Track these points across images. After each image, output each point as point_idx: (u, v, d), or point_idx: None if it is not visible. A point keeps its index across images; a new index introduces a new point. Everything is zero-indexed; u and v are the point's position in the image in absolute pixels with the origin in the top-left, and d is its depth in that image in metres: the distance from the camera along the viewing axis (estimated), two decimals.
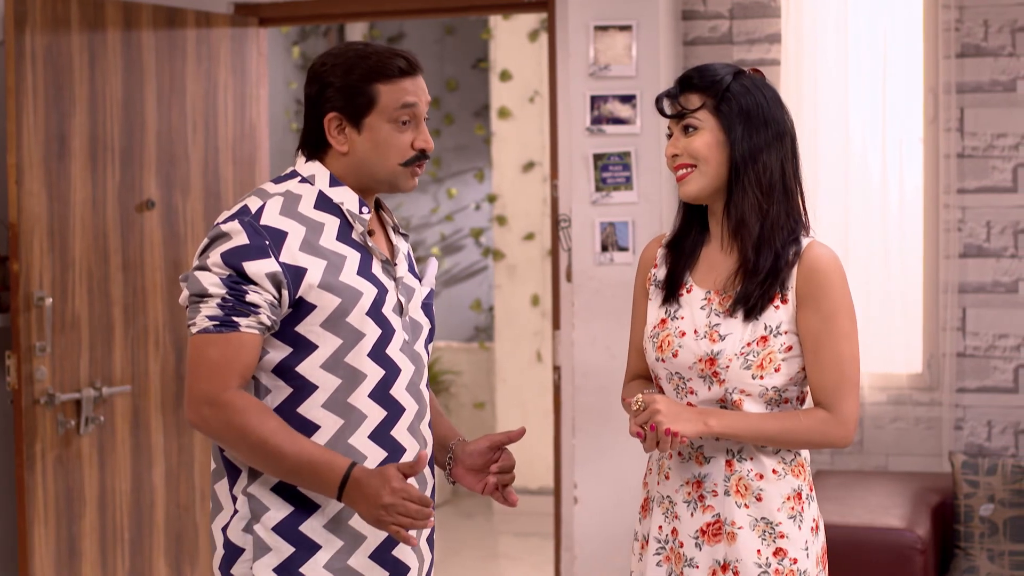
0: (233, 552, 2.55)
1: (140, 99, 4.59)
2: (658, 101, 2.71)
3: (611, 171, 4.63)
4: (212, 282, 2.47)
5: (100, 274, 4.46)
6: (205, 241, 2.51)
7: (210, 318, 2.47)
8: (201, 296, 2.48)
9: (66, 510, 4.35)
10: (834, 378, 2.62)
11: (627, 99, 4.62)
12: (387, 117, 2.56)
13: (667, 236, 2.82)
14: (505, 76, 7.53)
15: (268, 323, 2.48)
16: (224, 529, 2.57)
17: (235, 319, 2.46)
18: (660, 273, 2.78)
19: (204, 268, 2.49)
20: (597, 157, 4.64)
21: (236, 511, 2.56)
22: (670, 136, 2.72)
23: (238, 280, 2.46)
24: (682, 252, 2.75)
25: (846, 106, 4.81)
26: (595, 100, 4.65)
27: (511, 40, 7.53)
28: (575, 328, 4.68)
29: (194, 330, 2.48)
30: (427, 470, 2.65)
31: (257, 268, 2.46)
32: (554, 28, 4.74)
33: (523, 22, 7.46)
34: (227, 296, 2.46)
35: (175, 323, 4.66)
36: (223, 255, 2.47)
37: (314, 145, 2.62)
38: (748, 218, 2.64)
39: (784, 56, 4.85)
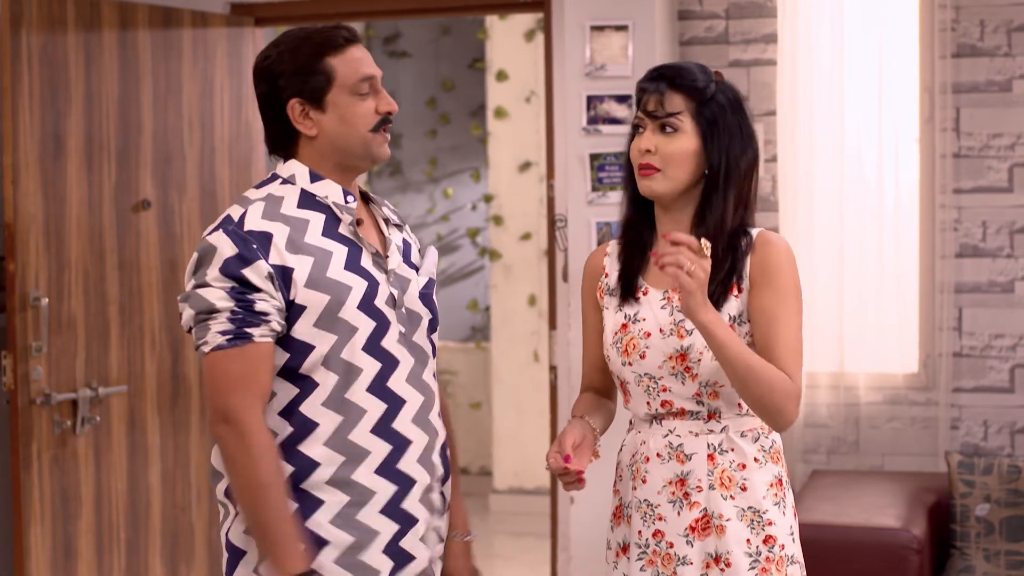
0: (235, 554, 2.53)
1: (136, 99, 4.58)
2: (640, 93, 2.68)
3: (607, 171, 4.63)
4: (218, 296, 2.43)
5: (96, 274, 4.46)
6: (195, 256, 2.48)
7: (222, 333, 2.43)
8: (209, 313, 2.44)
9: (62, 510, 4.34)
10: (790, 350, 2.59)
11: (623, 99, 4.62)
12: (348, 90, 2.55)
13: (617, 235, 2.79)
14: (501, 76, 7.53)
15: (279, 328, 2.46)
16: (227, 532, 2.55)
17: (247, 330, 2.43)
18: (611, 280, 2.76)
19: (205, 285, 2.45)
20: (593, 157, 4.64)
21: (236, 512, 2.53)
22: (638, 127, 2.68)
23: (243, 290, 2.43)
24: (634, 252, 2.73)
25: (842, 106, 4.81)
26: (591, 100, 4.65)
27: (507, 40, 7.53)
28: (571, 328, 4.68)
29: (207, 349, 2.44)
30: (439, 497, 2.66)
31: (256, 272, 2.44)
32: (550, 28, 4.74)
33: (519, 22, 7.46)
34: (236, 308, 2.43)
35: (171, 323, 4.66)
36: (221, 268, 2.44)
37: (282, 142, 2.59)
38: (727, 222, 2.64)
39: (780, 56, 4.85)
